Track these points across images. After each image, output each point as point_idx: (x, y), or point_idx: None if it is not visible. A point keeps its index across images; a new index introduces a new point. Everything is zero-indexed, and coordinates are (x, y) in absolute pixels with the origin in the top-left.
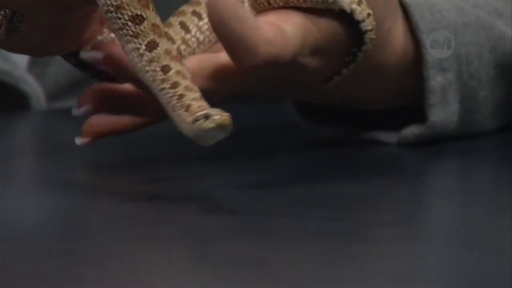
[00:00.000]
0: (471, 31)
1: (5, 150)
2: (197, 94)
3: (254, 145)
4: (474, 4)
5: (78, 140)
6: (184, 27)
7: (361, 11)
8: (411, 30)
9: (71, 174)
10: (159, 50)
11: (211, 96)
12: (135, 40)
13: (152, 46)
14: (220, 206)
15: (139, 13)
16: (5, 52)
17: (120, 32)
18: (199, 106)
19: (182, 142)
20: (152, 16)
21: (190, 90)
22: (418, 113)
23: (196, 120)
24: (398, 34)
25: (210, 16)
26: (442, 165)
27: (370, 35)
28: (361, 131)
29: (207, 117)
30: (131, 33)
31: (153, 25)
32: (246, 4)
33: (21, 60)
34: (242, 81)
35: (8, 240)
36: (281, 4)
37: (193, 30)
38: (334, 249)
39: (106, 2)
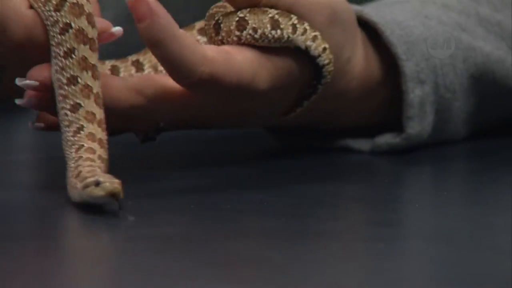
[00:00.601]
0: (441, 43)
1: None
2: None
3: (247, 149)
4: (439, 21)
5: (32, 125)
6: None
7: (316, 47)
8: (376, 46)
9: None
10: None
11: (154, 117)
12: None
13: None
14: (220, 205)
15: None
16: None
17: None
18: (90, 171)
19: (180, 143)
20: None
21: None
22: (390, 120)
23: (86, 186)
24: (358, 59)
25: (146, 37)
26: (422, 170)
27: (328, 68)
28: (332, 139)
29: (97, 183)
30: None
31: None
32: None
33: None
34: (187, 103)
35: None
36: (236, 43)
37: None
38: (335, 248)
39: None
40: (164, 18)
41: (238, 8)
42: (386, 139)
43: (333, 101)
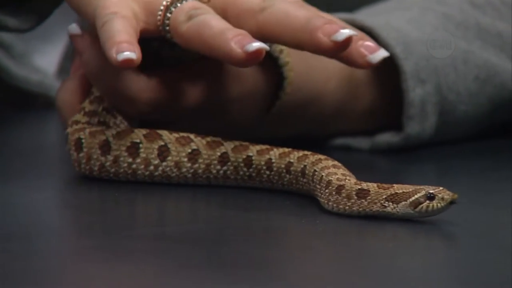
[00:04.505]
0: (439, 46)
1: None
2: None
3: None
4: (435, 29)
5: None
6: None
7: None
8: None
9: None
10: None
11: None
12: None
13: None
14: (227, 205)
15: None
16: (35, 64)
17: None
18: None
19: None
20: None
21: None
22: (391, 116)
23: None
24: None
25: (86, 70)
26: (423, 169)
27: (275, 47)
28: (332, 137)
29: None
30: None
31: None
32: None
33: (50, 68)
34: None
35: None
36: None
37: None
38: (342, 246)
39: None
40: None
41: None
42: (386, 138)
43: (312, 105)
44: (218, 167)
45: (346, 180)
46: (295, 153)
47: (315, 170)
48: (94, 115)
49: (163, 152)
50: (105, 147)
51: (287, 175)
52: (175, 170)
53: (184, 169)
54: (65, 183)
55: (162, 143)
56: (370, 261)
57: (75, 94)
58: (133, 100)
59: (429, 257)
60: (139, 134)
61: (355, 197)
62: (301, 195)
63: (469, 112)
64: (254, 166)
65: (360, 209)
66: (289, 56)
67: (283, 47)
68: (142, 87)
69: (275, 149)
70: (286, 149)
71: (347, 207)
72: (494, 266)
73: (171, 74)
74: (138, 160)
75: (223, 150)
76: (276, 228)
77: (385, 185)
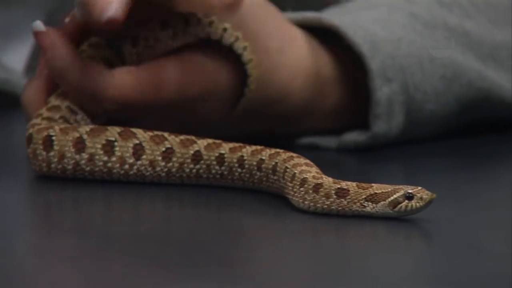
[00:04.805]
0: (406, 44)
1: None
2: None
3: None
4: (402, 27)
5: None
6: None
7: (215, 30)
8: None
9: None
10: None
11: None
12: None
13: None
14: (199, 204)
15: None
16: (2, 62)
17: None
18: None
19: None
20: None
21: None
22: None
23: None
24: (298, 55)
25: (49, 68)
26: (390, 168)
27: (239, 44)
28: (299, 136)
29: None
30: None
31: None
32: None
33: (18, 66)
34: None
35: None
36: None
37: None
38: (312, 246)
39: None
40: (66, 47)
41: None
42: (353, 137)
43: (279, 103)
44: (191, 165)
45: (324, 179)
46: (267, 150)
47: (286, 167)
48: (56, 110)
49: (138, 151)
50: (80, 145)
51: (258, 173)
52: (149, 169)
53: (158, 168)
54: (31, 182)
55: (137, 142)
56: (341, 260)
57: (41, 92)
58: (98, 97)
59: (400, 257)
60: (113, 132)
61: (334, 196)
62: (271, 194)
63: (436, 112)
64: (226, 164)
65: (340, 208)
66: (253, 53)
67: (246, 43)
68: (107, 84)
69: (247, 147)
70: (259, 147)
71: (325, 206)
72: (464, 264)
73: (135, 72)
74: (114, 159)
75: (196, 148)
76: (247, 227)
77: (364, 185)
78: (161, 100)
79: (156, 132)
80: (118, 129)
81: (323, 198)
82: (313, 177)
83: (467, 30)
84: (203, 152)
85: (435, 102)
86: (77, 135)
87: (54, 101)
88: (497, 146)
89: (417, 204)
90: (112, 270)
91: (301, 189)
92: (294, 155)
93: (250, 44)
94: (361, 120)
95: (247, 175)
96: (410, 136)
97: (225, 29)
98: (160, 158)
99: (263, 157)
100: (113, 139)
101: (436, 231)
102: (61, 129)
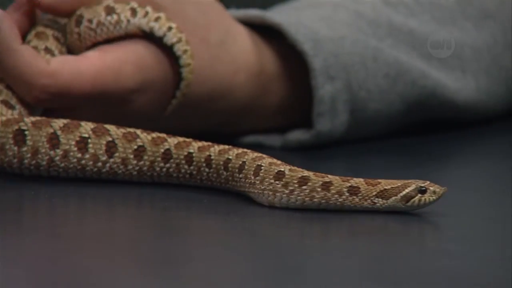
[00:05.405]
0: (348, 43)
1: None
2: None
3: None
4: (347, 25)
5: None
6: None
7: (160, 27)
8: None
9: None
10: None
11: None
12: None
13: None
14: (145, 204)
15: None
16: None
17: None
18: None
19: None
20: None
21: None
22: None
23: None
24: (241, 50)
25: None
26: (335, 166)
27: (180, 47)
28: (244, 134)
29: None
30: None
31: None
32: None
33: None
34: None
35: None
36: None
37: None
38: (260, 245)
39: None
40: (2, 31)
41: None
42: (296, 136)
43: (222, 98)
44: (162, 164)
45: (330, 176)
46: (235, 150)
47: (260, 165)
48: None
49: (111, 148)
50: (54, 141)
51: (225, 172)
52: (121, 167)
53: (130, 166)
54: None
55: (110, 139)
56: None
57: None
58: (30, 84)
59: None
60: (87, 128)
61: (347, 194)
62: (237, 194)
63: (381, 110)
64: (194, 163)
65: (351, 205)
66: (192, 58)
67: (188, 48)
68: (41, 71)
69: (215, 146)
70: (226, 146)
71: (338, 203)
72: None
73: (72, 61)
74: (87, 156)
75: (167, 147)
76: (205, 227)
77: (372, 181)
78: (98, 91)
79: (128, 129)
80: (91, 124)
81: (336, 196)
82: (315, 175)
83: (411, 29)
84: (173, 150)
85: (380, 100)
86: (50, 130)
87: None
88: (443, 145)
89: (431, 198)
90: (61, 270)
91: (304, 187)
92: (264, 155)
93: (189, 34)
94: (305, 118)
95: (215, 175)
96: (356, 135)
97: (170, 28)
98: (132, 156)
99: (230, 157)
100: (86, 135)
101: (384, 229)
102: (33, 123)
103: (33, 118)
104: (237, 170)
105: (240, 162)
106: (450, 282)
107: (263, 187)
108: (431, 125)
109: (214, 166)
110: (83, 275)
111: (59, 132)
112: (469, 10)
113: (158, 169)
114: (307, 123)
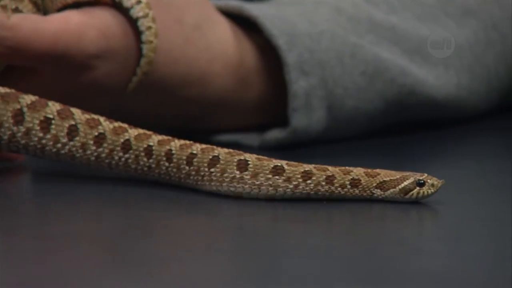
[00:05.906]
0: (326, 39)
1: None
2: None
3: None
4: (326, 20)
5: None
6: None
7: (140, 9)
8: (258, 40)
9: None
10: None
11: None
12: None
13: None
14: (123, 204)
15: None
16: None
17: None
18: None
19: None
20: None
21: None
22: (282, 113)
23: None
24: (219, 37)
25: None
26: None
27: (145, 22)
28: (221, 134)
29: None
30: None
31: None
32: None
33: None
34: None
35: None
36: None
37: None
38: (242, 244)
39: None
40: None
41: None
42: (274, 134)
43: (196, 85)
44: (121, 153)
45: (331, 169)
46: (197, 145)
47: (246, 160)
48: None
49: (72, 132)
50: (19, 117)
51: (187, 167)
52: (80, 151)
53: (88, 152)
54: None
55: (73, 123)
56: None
57: None
58: None
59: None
60: (53, 109)
61: (349, 186)
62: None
63: (360, 108)
64: (154, 156)
65: (352, 196)
66: (156, 36)
67: (153, 25)
68: (0, 24)
69: (176, 141)
70: (188, 142)
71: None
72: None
73: (36, 18)
74: (48, 136)
75: (126, 137)
76: (189, 226)
77: (371, 172)
78: (58, 50)
79: (93, 116)
80: (58, 106)
81: (339, 189)
82: (315, 168)
83: (392, 25)
84: (133, 141)
85: (357, 98)
86: (17, 106)
87: None
88: (425, 145)
89: (429, 190)
90: (40, 270)
91: (309, 181)
92: (232, 150)
93: (162, 12)
94: (283, 116)
95: (174, 170)
96: (335, 134)
97: (139, 2)
98: (92, 142)
99: (194, 151)
100: (51, 116)
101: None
102: (2, 96)
103: (3, 90)
104: (206, 166)
105: (211, 157)
106: (437, 283)
107: (258, 183)
108: (413, 125)
109: (175, 160)
110: (65, 275)
111: (25, 109)
112: (451, 8)
113: (116, 158)
114: (286, 122)
